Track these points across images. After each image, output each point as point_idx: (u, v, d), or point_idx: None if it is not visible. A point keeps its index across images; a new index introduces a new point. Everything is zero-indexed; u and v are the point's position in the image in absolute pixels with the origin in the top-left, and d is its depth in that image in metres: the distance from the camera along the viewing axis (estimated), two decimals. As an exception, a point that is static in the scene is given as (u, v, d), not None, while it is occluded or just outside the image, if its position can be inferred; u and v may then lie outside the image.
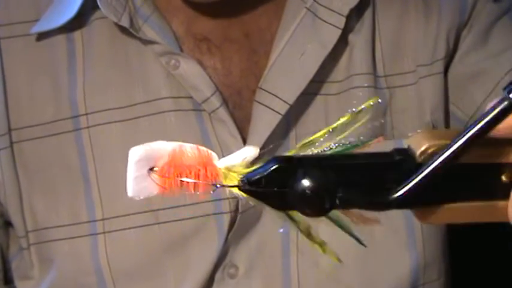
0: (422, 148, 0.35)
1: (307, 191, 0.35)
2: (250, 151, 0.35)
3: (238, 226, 0.66)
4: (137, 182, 0.35)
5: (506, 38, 0.70)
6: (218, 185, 0.36)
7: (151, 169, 0.34)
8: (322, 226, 0.66)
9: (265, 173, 0.35)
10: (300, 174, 0.34)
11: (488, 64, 0.69)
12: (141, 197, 0.35)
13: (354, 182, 0.35)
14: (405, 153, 0.36)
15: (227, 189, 0.66)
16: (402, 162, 0.35)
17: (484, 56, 0.70)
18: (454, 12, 0.70)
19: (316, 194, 0.35)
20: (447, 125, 0.73)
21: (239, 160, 0.35)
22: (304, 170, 0.34)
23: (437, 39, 0.70)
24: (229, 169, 0.35)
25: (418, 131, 0.36)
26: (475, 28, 0.71)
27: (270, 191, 0.35)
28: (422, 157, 0.35)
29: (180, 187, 0.35)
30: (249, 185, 0.35)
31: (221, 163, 0.35)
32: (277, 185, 0.35)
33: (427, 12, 0.71)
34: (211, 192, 0.36)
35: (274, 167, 0.35)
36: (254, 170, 0.35)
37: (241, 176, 0.35)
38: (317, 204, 0.35)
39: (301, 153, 0.36)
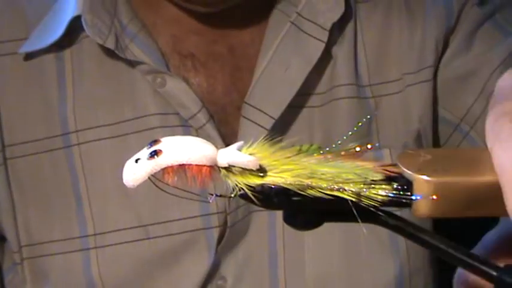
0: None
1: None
2: (238, 143, 0.35)
3: (226, 240, 0.67)
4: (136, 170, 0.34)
5: (490, 40, 0.71)
6: (216, 195, 0.36)
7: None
8: (308, 237, 0.68)
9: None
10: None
11: (475, 65, 0.70)
12: (135, 185, 0.34)
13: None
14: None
15: (216, 204, 0.67)
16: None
17: (470, 58, 0.70)
18: (440, 18, 0.71)
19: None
20: (435, 131, 0.73)
21: (239, 158, 0.34)
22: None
23: (423, 47, 0.71)
24: (230, 171, 0.34)
25: (409, 151, 0.35)
26: (460, 32, 0.71)
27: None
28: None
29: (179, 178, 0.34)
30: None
31: (222, 158, 0.34)
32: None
33: (411, 21, 0.71)
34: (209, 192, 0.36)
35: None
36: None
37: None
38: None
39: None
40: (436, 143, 0.74)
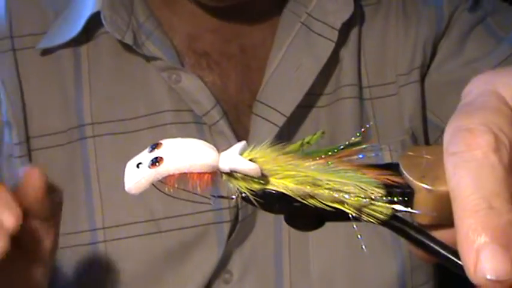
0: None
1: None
2: (241, 144, 0.35)
3: (236, 234, 0.68)
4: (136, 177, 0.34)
5: (482, 46, 0.72)
6: (216, 196, 0.37)
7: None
8: (313, 234, 0.68)
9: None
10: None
11: (465, 72, 0.71)
12: (137, 192, 0.34)
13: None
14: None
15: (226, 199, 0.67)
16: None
17: (460, 64, 0.72)
18: (431, 23, 0.72)
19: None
20: (425, 131, 0.75)
21: (241, 163, 0.34)
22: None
23: (414, 49, 0.72)
24: (232, 176, 0.34)
25: (410, 153, 0.35)
26: (450, 37, 0.73)
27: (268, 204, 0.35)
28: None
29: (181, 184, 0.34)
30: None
31: (224, 163, 0.34)
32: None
33: (407, 24, 0.73)
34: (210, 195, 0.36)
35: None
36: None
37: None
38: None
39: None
40: (427, 143, 0.75)
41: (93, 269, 0.68)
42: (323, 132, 0.35)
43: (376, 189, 0.33)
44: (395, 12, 0.73)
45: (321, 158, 0.35)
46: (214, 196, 0.36)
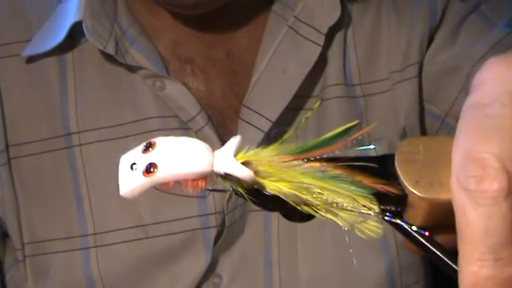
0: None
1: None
2: (236, 140, 0.35)
3: (223, 239, 0.68)
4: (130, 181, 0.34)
5: (475, 34, 0.71)
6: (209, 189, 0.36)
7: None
8: (301, 237, 0.69)
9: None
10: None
11: (458, 59, 0.70)
12: (132, 198, 0.34)
13: None
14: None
15: (214, 204, 0.68)
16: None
17: (455, 53, 0.71)
18: (425, 16, 0.72)
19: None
20: (422, 127, 0.74)
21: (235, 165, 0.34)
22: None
23: (409, 45, 0.72)
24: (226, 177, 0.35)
25: (406, 148, 0.34)
26: (445, 26, 0.72)
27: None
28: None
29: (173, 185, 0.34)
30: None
31: (218, 166, 0.34)
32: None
33: (399, 20, 0.72)
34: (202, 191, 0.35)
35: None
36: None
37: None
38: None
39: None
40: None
41: (85, 273, 0.69)
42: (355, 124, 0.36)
43: (369, 204, 0.33)
44: (386, 7, 0.73)
45: (316, 160, 0.35)
46: (208, 190, 0.36)
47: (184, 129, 0.68)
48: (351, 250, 0.34)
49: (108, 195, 0.68)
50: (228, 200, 0.67)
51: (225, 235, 0.68)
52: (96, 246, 0.68)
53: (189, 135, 0.67)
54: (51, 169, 0.69)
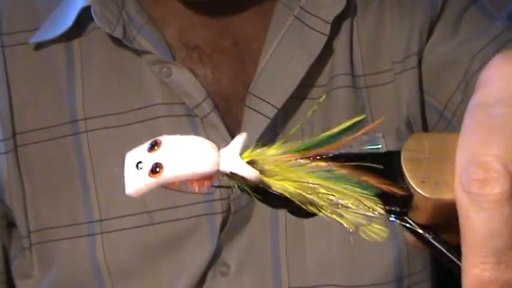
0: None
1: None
2: (242, 138, 0.35)
3: (229, 226, 0.68)
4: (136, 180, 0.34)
5: (475, 26, 0.71)
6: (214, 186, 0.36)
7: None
8: (308, 224, 0.69)
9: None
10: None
11: (458, 52, 0.71)
12: (137, 196, 0.34)
13: None
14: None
15: (219, 190, 0.68)
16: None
17: (454, 45, 0.71)
18: (425, 7, 0.72)
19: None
20: (423, 117, 0.75)
21: (240, 164, 0.34)
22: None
23: (410, 36, 0.72)
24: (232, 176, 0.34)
25: (412, 146, 0.34)
26: (444, 19, 0.72)
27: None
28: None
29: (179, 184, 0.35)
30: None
31: (224, 165, 0.34)
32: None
33: (401, 11, 0.73)
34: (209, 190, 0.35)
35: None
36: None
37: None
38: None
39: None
40: (425, 129, 0.75)
41: (91, 260, 0.69)
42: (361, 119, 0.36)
43: (374, 206, 0.33)
44: (390, 0, 0.74)
45: (321, 158, 0.35)
46: (214, 186, 0.36)
47: (190, 116, 0.68)
48: (351, 239, 0.34)
49: (114, 181, 0.68)
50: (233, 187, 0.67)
51: (230, 222, 0.68)
52: (102, 233, 0.69)
53: (195, 122, 0.68)
54: (58, 156, 0.70)
